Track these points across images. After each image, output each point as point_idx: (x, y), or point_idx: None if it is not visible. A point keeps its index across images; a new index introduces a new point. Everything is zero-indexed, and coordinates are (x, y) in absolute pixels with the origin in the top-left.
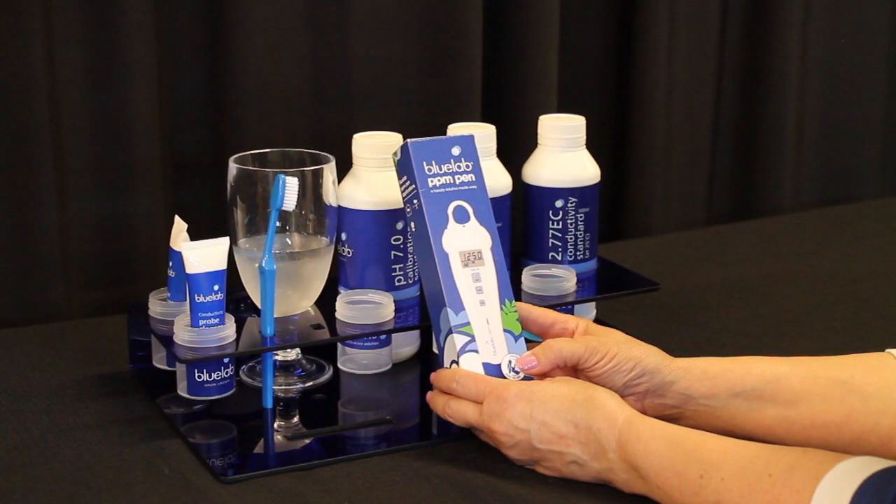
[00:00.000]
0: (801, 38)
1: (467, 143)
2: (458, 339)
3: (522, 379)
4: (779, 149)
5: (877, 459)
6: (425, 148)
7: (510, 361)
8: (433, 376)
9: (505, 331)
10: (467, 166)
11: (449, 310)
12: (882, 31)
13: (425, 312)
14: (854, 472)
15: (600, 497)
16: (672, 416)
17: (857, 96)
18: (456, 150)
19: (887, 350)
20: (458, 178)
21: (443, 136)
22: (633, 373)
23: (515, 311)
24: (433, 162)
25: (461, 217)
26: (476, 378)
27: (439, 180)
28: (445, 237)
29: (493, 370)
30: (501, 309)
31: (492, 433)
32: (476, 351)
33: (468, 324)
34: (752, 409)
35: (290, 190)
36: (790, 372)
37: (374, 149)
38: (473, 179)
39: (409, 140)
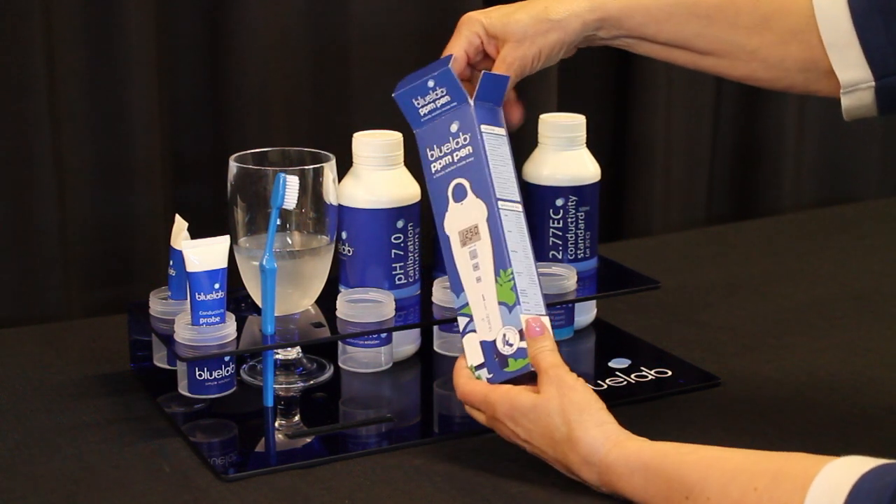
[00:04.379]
0: None
1: (446, 79)
2: (461, 322)
3: (513, 376)
4: (779, 149)
5: (862, 459)
6: (410, 107)
7: (504, 335)
8: None
9: (500, 303)
10: (465, 139)
11: (452, 293)
12: None
13: (425, 311)
14: (843, 475)
15: (603, 496)
16: (584, 43)
17: None
18: (454, 127)
19: None
20: (457, 155)
21: (421, 71)
22: (561, 52)
23: (510, 280)
24: (434, 146)
25: (459, 195)
26: (467, 394)
27: (440, 163)
28: (447, 220)
29: (489, 347)
30: (496, 280)
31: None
32: (474, 331)
33: (467, 304)
34: (665, 51)
35: (290, 189)
36: (698, 35)
37: (375, 147)
38: (471, 152)
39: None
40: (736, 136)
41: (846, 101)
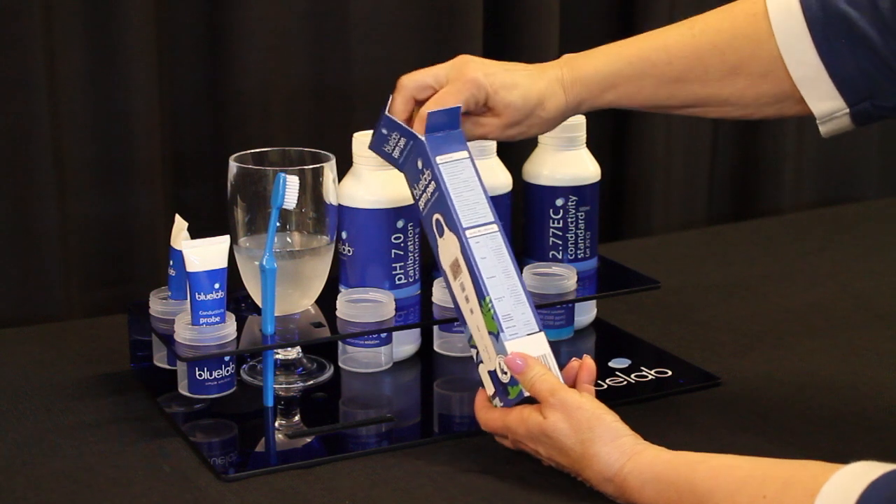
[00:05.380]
0: None
1: (390, 123)
2: (473, 353)
3: (517, 402)
4: (779, 149)
5: (872, 464)
6: (386, 155)
7: (500, 364)
8: None
9: (489, 333)
10: (427, 175)
11: (463, 326)
12: None
13: (426, 310)
14: (852, 482)
15: (602, 497)
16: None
17: None
18: (419, 163)
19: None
20: (429, 191)
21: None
22: (520, 104)
23: (490, 309)
24: (414, 185)
25: (440, 231)
26: (488, 422)
27: (422, 201)
28: (440, 255)
29: (494, 376)
30: (481, 311)
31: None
32: (482, 361)
33: (472, 336)
34: (640, 108)
35: (290, 188)
36: (673, 96)
37: None
38: (435, 187)
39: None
40: (736, 136)
41: (823, 129)
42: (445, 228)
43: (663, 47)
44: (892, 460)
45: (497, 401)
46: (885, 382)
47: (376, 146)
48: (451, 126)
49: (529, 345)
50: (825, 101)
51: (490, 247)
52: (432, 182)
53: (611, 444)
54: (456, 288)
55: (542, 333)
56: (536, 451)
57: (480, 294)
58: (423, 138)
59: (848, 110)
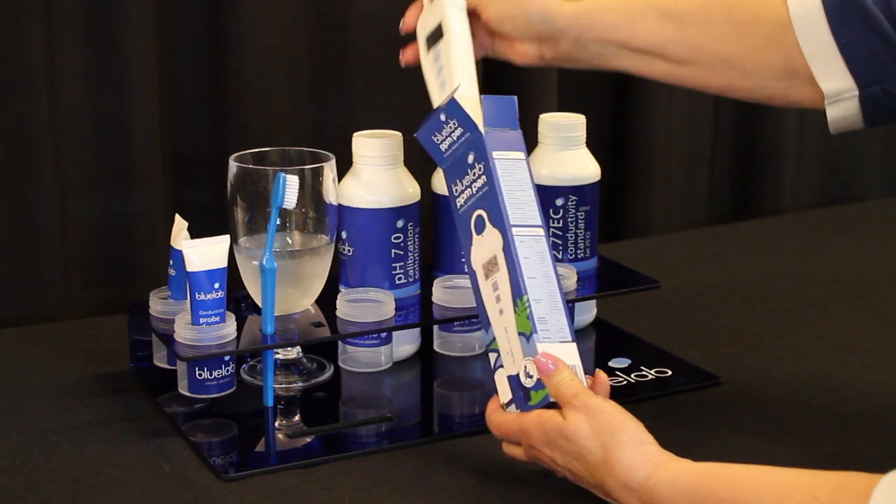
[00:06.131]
0: None
1: (454, 109)
2: (491, 358)
3: (540, 402)
4: (779, 149)
5: None
6: (433, 145)
7: (525, 367)
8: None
9: (519, 334)
10: (480, 168)
11: (482, 330)
12: None
13: (425, 310)
14: None
15: (601, 498)
16: (568, 59)
17: None
18: (470, 158)
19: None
20: (475, 186)
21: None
22: (518, 20)
23: (527, 308)
24: (457, 181)
25: (479, 227)
26: (500, 426)
27: (463, 197)
28: (472, 255)
29: (514, 381)
30: (514, 310)
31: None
32: (502, 366)
33: (494, 339)
34: (642, 61)
35: (290, 188)
36: (673, 40)
37: (375, 147)
38: (485, 182)
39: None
40: (736, 136)
41: (831, 113)
42: (488, 225)
43: None
44: (893, 460)
45: (512, 408)
46: (885, 382)
47: (427, 134)
48: (509, 121)
49: (561, 352)
50: (835, 80)
51: (534, 249)
52: (482, 177)
53: (634, 451)
54: (486, 287)
55: (575, 345)
56: (553, 460)
57: (518, 293)
58: (482, 131)
59: (857, 92)
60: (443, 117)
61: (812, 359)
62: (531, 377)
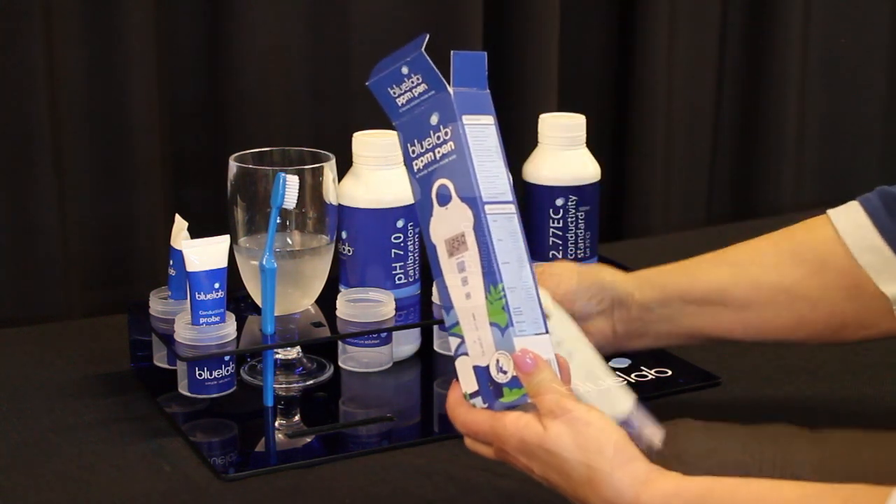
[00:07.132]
0: (801, 38)
1: (420, 64)
2: (452, 343)
3: (509, 406)
4: (779, 149)
5: None
6: (387, 98)
7: (498, 360)
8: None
9: (491, 324)
10: (446, 133)
11: (443, 310)
12: (882, 31)
13: (426, 310)
14: None
15: None
16: (638, 331)
17: (857, 96)
18: (434, 119)
19: (827, 211)
20: (439, 152)
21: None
22: (592, 290)
23: (501, 298)
24: (415, 141)
25: (443, 199)
26: (469, 425)
27: (422, 160)
28: (432, 227)
29: (482, 373)
30: (486, 298)
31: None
32: (466, 353)
33: (457, 323)
34: (707, 313)
35: (290, 188)
36: (732, 282)
37: (375, 147)
38: (453, 148)
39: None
40: (736, 136)
41: None
42: (454, 197)
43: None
44: (893, 461)
45: (478, 400)
46: (885, 382)
47: (381, 86)
48: (479, 81)
49: (536, 345)
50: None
51: (507, 229)
52: (448, 143)
53: (622, 470)
54: (449, 266)
55: (548, 336)
56: (528, 468)
57: (493, 280)
58: (451, 91)
59: None
60: (405, 70)
61: (812, 358)
62: (504, 373)
